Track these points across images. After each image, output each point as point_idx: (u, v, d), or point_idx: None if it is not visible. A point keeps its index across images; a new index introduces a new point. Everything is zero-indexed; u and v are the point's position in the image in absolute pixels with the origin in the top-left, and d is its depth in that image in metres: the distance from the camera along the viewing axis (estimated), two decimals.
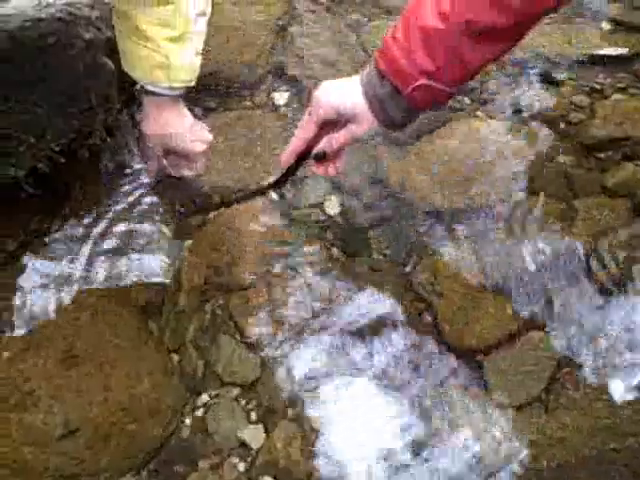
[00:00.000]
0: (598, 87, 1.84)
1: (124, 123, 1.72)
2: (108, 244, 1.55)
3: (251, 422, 1.35)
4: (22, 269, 1.49)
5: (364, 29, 2.00)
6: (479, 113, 1.80)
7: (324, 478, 1.27)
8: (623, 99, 1.82)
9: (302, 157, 1.23)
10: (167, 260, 1.51)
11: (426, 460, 1.29)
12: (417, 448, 1.30)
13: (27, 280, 1.48)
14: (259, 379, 1.39)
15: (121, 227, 1.59)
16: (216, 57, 1.87)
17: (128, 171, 1.69)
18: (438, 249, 1.54)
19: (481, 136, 1.72)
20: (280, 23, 2.04)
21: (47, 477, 1.26)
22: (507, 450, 1.29)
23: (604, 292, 1.45)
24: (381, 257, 1.55)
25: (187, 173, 1.58)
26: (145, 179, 1.65)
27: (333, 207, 1.64)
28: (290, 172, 1.29)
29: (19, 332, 1.40)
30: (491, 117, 1.79)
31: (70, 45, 1.45)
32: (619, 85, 1.85)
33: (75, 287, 1.47)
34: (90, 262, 1.52)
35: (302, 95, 1.86)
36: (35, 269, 1.49)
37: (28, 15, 1.39)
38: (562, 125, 1.78)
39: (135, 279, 1.48)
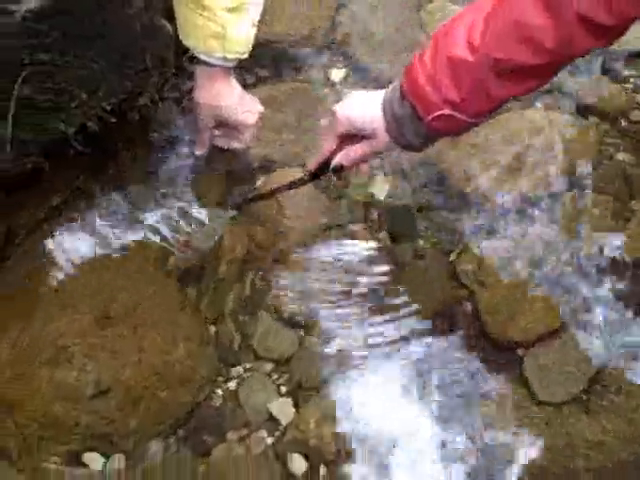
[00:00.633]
0: None
1: (177, 89, 1.73)
2: (151, 209, 1.55)
3: (282, 397, 1.35)
4: (64, 226, 1.49)
5: (425, 8, 1.96)
6: (536, 104, 1.76)
7: (354, 459, 1.27)
8: None
9: (324, 166, 1.26)
10: (209, 229, 1.50)
11: (456, 449, 1.28)
12: (448, 436, 1.29)
13: (67, 237, 1.48)
14: (294, 355, 1.39)
15: (165, 193, 1.58)
16: (273, 27, 1.85)
17: (176, 138, 1.68)
18: (485, 239, 1.52)
19: (536, 128, 1.68)
20: None
21: (76, 434, 1.27)
22: (541, 448, 1.28)
23: None
24: (426, 243, 1.54)
25: (236, 145, 1.57)
26: (193, 148, 1.63)
27: (381, 189, 1.62)
28: (317, 177, 1.31)
29: (56, 289, 1.40)
30: (548, 109, 1.75)
31: (128, 3, 1.43)
32: None
33: (115, 249, 1.47)
34: (131, 225, 1.52)
35: (358, 73, 1.84)
36: (76, 227, 1.49)
37: None
38: (623, 122, 1.75)
39: (176, 244, 1.48)
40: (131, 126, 1.57)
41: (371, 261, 1.50)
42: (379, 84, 1.74)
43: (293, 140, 1.68)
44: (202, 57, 1.38)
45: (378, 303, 1.44)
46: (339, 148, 1.22)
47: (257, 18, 1.39)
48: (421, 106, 1.04)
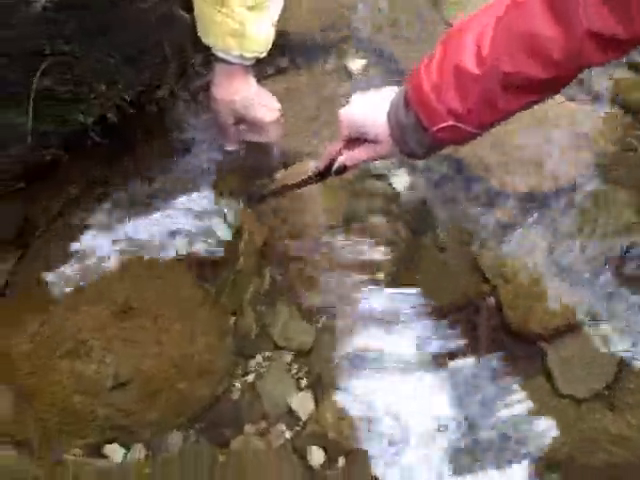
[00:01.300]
0: None
1: (196, 81, 1.71)
2: (169, 201, 1.54)
3: (301, 390, 1.35)
4: (82, 217, 1.49)
5: (445, 1, 1.94)
6: (559, 96, 1.72)
7: (373, 454, 1.27)
8: None
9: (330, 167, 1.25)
10: (228, 221, 1.50)
11: (476, 444, 1.28)
12: (469, 430, 1.29)
13: (85, 230, 1.48)
14: (313, 348, 1.39)
15: (183, 185, 1.57)
16: (292, 17, 1.83)
17: (195, 131, 1.67)
18: (507, 232, 1.52)
19: (560, 120, 1.67)
20: None
21: (95, 426, 1.28)
22: (564, 442, 1.27)
23: None
24: (447, 236, 1.53)
25: (264, 139, 1.55)
26: (212, 140, 1.63)
27: (401, 181, 1.61)
28: (324, 177, 1.30)
29: (75, 282, 1.41)
30: (572, 100, 1.73)
31: None
32: None
33: (133, 241, 1.47)
34: (150, 217, 1.52)
35: (377, 64, 1.83)
36: (95, 219, 1.50)
37: None
38: None
39: (195, 237, 1.47)
40: (150, 118, 1.56)
41: (391, 254, 1.50)
42: (398, 75, 1.75)
43: (313, 131, 1.68)
44: (220, 55, 1.37)
45: (398, 296, 1.44)
46: (344, 148, 1.21)
47: (276, 17, 1.38)
48: (426, 116, 1.02)
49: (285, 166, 1.62)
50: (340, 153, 1.21)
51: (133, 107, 1.46)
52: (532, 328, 1.38)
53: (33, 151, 1.38)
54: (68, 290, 1.39)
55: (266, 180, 1.60)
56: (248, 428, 1.31)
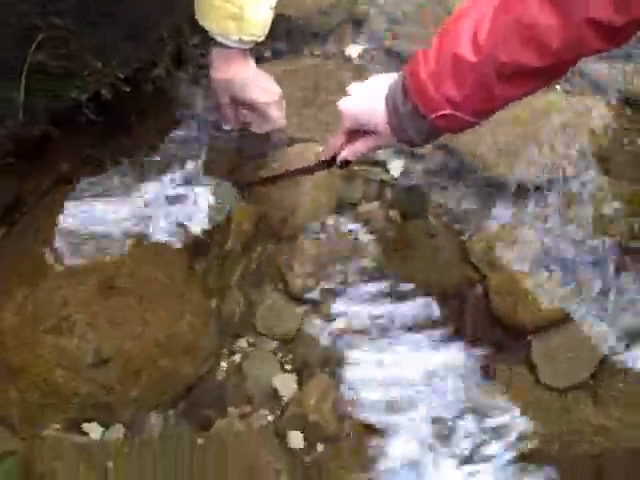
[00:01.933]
0: None
1: (193, 61, 1.71)
2: (160, 180, 1.54)
3: (285, 373, 1.35)
4: (72, 194, 1.49)
5: None
6: (557, 87, 1.73)
7: (353, 438, 1.27)
8: None
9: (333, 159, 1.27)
10: (219, 203, 1.49)
11: (459, 432, 1.28)
12: (452, 418, 1.29)
13: (75, 206, 1.47)
14: (298, 332, 1.39)
15: (175, 166, 1.57)
16: (291, 0, 1.83)
17: (190, 111, 1.67)
18: (498, 221, 1.51)
19: (557, 111, 1.66)
20: None
21: (76, 403, 1.28)
22: (546, 433, 1.27)
23: None
24: (439, 223, 1.53)
25: (268, 128, 1.56)
26: (207, 120, 1.63)
27: (396, 168, 1.60)
28: (325, 167, 1.32)
29: (61, 258, 1.40)
30: (568, 92, 1.72)
31: None
32: None
33: (123, 219, 1.47)
34: (139, 196, 1.51)
35: (376, 49, 1.83)
36: (85, 196, 1.49)
37: None
38: None
39: (184, 218, 1.47)
40: (145, 96, 1.57)
41: (381, 239, 1.50)
42: (396, 60, 1.75)
43: (309, 115, 1.67)
44: (218, 38, 1.37)
45: (387, 282, 1.44)
46: (346, 140, 1.23)
47: (275, 1, 1.38)
48: (423, 104, 1.03)
49: (281, 149, 1.61)
50: (342, 148, 1.22)
51: (128, 85, 1.46)
52: (519, 318, 1.37)
53: (23, 126, 1.38)
54: (55, 266, 1.39)
55: (260, 164, 1.59)
56: (231, 410, 1.31)
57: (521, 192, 1.55)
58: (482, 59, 0.95)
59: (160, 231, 1.46)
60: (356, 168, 1.56)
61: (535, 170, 1.57)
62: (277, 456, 1.25)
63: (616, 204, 1.52)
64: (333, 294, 1.43)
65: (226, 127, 1.59)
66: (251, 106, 1.50)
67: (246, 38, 1.36)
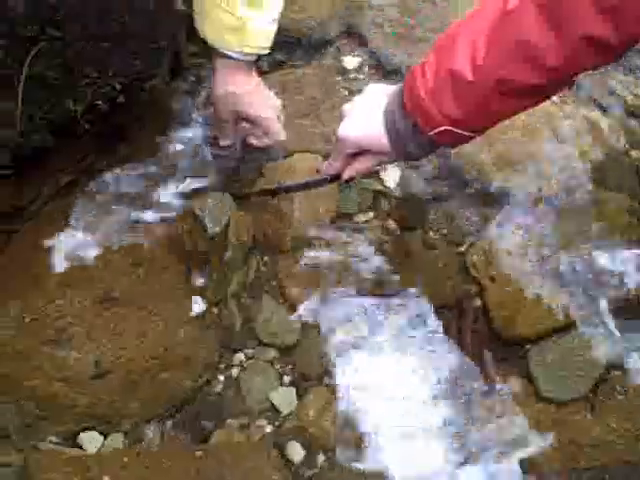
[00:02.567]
0: None
1: (191, 72, 1.72)
2: (158, 190, 1.53)
3: (284, 385, 1.36)
4: (70, 205, 1.48)
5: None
6: (554, 98, 1.73)
7: (353, 450, 1.27)
8: None
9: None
10: (217, 212, 1.47)
11: (458, 444, 1.28)
12: (450, 430, 1.30)
13: (73, 217, 1.47)
14: (297, 343, 1.40)
15: (173, 175, 1.56)
16: (289, 11, 1.78)
17: (188, 121, 1.66)
18: (496, 232, 1.52)
19: (553, 121, 1.67)
20: None
21: (75, 415, 1.28)
22: (544, 446, 1.28)
23: None
24: (436, 234, 1.54)
25: (267, 142, 1.53)
26: (205, 131, 1.63)
27: (392, 178, 1.61)
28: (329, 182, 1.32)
29: (59, 269, 1.40)
30: (565, 103, 1.73)
31: None
32: None
33: (121, 229, 1.47)
34: (138, 206, 1.50)
35: (373, 61, 1.83)
36: (83, 207, 1.49)
37: None
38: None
39: (182, 228, 1.46)
40: (142, 107, 1.56)
41: (379, 250, 1.50)
42: (393, 73, 1.76)
43: (306, 126, 1.67)
44: (219, 50, 1.35)
45: (385, 293, 1.45)
46: (348, 160, 1.23)
47: (277, 14, 1.37)
48: (423, 122, 1.04)
49: (278, 159, 1.62)
50: (342, 169, 1.23)
51: (125, 95, 1.44)
52: (517, 330, 1.38)
53: (21, 136, 1.37)
54: (53, 276, 1.39)
55: (258, 176, 1.59)
56: (229, 422, 1.31)
57: (520, 203, 1.55)
58: (480, 77, 0.95)
59: (158, 242, 1.46)
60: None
61: (534, 181, 1.58)
62: (276, 468, 1.24)
63: (614, 216, 1.53)
64: (332, 305, 1.43)
65: (224, 143, 1.57)
66: (252, 120, 1.49)
67: (248, 50, 1.35)
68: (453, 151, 1.58)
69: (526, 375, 1.35)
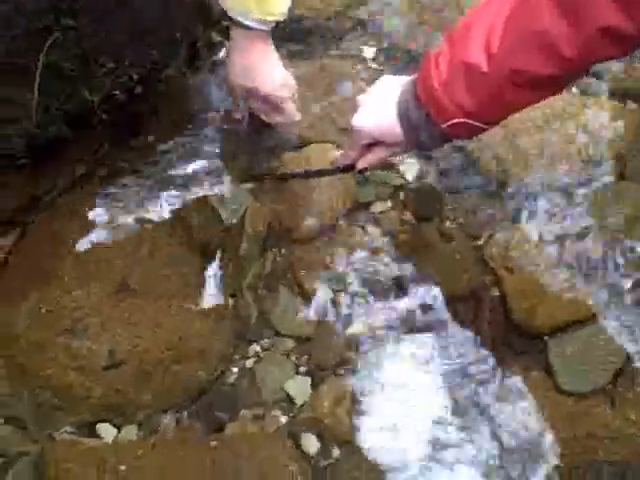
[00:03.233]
0: None
1: (207, 61, 1.74)
2: (174, 181, 1.56)
3: (299, 376, 1.36)
4: (87, 195, 1.51)
5: None
6: (574, 88, 1.74)
7: (369, 442, 1.27)
8: None
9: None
10: (232, 203, 1.48)
11: (474, 437, 1.28)
12: (467, 423, 1.29)
13: (89, 207, 1.49)
14: (313, 334, 1.40)
15: (190, 165, 1.59)
16: (306, 1, 1.86)
17: (205, 111, 1.68)
18: (514, 224, 1.52)
19: (571, 113, 1.67)
20: None
21: (89, 405, 1.29)
22: (563, 439, 1.27)
23: None
24: (454, 226, 1.54)
25: (279, 119, 1.55)
26: (223, 122, 1.65)
27: (410, 170, 1.61)
28: (344, 172, 1.33)
29: (75, 260, 1.42)
30: (584, 94, 1.74)
31: None
32: None
33: (137, 219, 1.49)
34: (154, 196, 1.52)
35: (390, 50, 1.84)
36: (99, 197, 1.51)
37: None
38: None
39: (199, 219, 1.47)
40: (159, 97, 1.59)
41: (396, 241, 1.50)
42: (411, 62, 1.76)
43: (322, 116, 1.68)
44: (238, 18, 1.34)
45: (401, 284, 1.45)
46: (362, 151, 1.24)
47: None
48: (436, 113, 1.04)
49: (294, 150, 1.62)
50: (357, 160, 1.24)
51: (142, 85, 1.47)
52: (536, 322, 1.38)
53: (37, 127, 1.39)
54: (68, 267, 1.40)
55: (272, 162, 1.60)
56: (244, 413, 1.32)
57: (538, 194, 1.55)
58: (495, 68, 0.95)
59: (174, 232, 1.47)
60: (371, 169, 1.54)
61: (552, 172, 1.58)
62: (291, 460, 1.24)
63: (637, 206, 1.52)
64: (348, 296, 1.44)
65: (237, 116, 1.58)
66: (266, 97, 1.48)
67: (268, 17, 1.34)
68: (471, 144, 1.59)
69: (544, 367, 1.34)
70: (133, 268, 1.41)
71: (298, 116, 1.53)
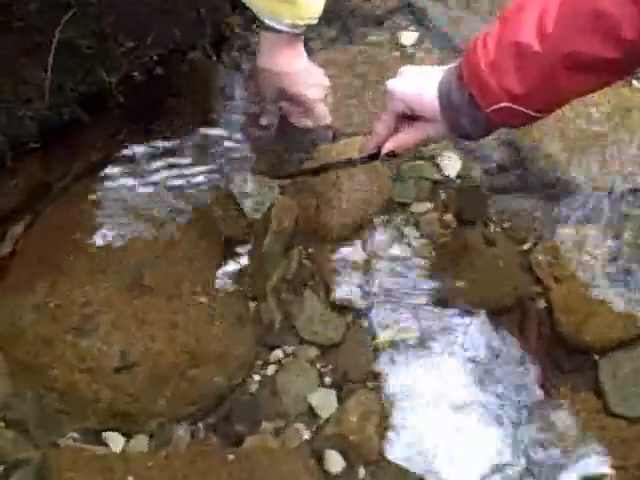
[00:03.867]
0: None
1: (237, 46, 1.73)
2: (195, 171, 1.54)
3: (324, 388, 1.33)
4: (100, 183, 1.49)
5: None
6: (634, 82, 1.71)
7: (398, 461, 1.25)
8: None
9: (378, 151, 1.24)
10: (258, 199, 1.48)
11: (515, 461, 1.25)
12: (507, 445, 1.27)
13: (103, 196, 1.48)
14: (340, 343, 1.38)
15: (210, 155, 1.57)
16: None
17: (229, 99, 1.68)
18: (564, 229, 1.49)
19: (633, 108, 1.63)
20: None
21: (97, 410, 1.27)
22: (612, 465, 1.24)
23: None
24: (499, 229, 1.51)
25: (309, 123, 1.55)
26: (246, 112, 1.64)
27: (452, 166, 1.59)
28: (369, 160, 1.28)
29: (87, 252, 1.40)
30: None
31: None
32: None
33: (153, 212, 1.47)
34: (174, 188, 1.51)
35: (432, 37, 1.82)
36: (115, 186, 1.49)
37: None
38: None
39: (220, 212, 1.46)
40: (180, 80, 1.59)
41: (435, 245, 1.49)
42: (452, 50, 1.76)
43: (358, 107, 1.66)
44: (268, 22, 1.34)
45: (439, 291, 1.43)
46: (394, 131, 1.20)
47: None
48: (480, 96, 1.01)
49: (326, 142, 1.60)
50: (384, 140, 1.20)
51: (163, 67, 1.48)
52: (585, 338, 1.35)
53: (50, 109, 1.40)
54: (79, 260, 1.38)
55: (301, 157, 1.58)
56: (264, 425, 1.29)
57: (592, 197, 1.53)
58: (548, 48, 0.93)
59: (193, 226, 1.46)
60: (408, 165, 1.57)
61: (608, 173, 1.55)
62: (314, 477, 1.22)
63: None
64: (380, 303, 1.42)
65: (264, 122, 1.58)
66: (296, 98, 1.48)
67: (299, 22, 1.33)
68: (521, 139, 1.58)
69: (594, 387, 1.32)
70: (148, 263, 1.39)
71: (329, 119, 1.53)
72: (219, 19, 1.63)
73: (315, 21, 1.36)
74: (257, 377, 1.34)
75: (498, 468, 1.24)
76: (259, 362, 1.36)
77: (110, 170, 1.51)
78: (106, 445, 1.26)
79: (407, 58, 1.78)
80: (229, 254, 1.44)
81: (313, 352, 1.37)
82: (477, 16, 1.84)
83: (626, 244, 1.46)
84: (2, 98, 1.33)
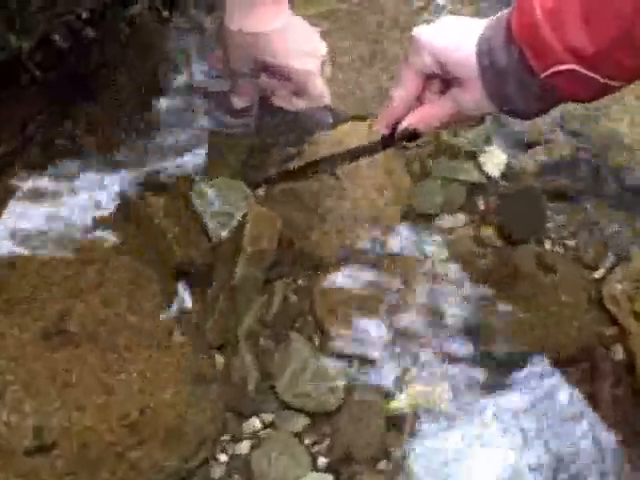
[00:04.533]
0: None
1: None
2: (137, 174, 1.52)
3: (317, 472, 1.29)
4: (7, 188, 1.47)
5: None
6: None
7: None
8: None
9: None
10: (227, 208, 1.46)
11: None
12: None
13: (10, 205, 1.45)
14: (340, 408, 1.33)
15: (161, 150, 1.55)
16: None
17: (187, 70, 1.66)
18: None
19: None
20: None
21: None
22: None
23: None
24: (560, 250, 1.50)
25: (301, 105, 1.52)
26: (212, 90, 1.62)
27: (495, 163, 1.59)
28: (385, 145, 1.23)
29: None
30: None
31: None
32: None
33: (80, 228, 1.44)
34: (107, 192, 1.49)
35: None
36: (25, 192, 1.47)
37: None
38: None
39: (174, 230, 1.42)
40: (120, 47, 1.56)
41: (470, 271, 1.47)
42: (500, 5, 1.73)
43: (365, 82, 1.66)
44: None
45: (475, 333, 1.41)
46: (416, 102, 1.17)
47: None
48: (534, 55, 0.97)
49: (320, 130, 1.60)
50: (406, 112, 1.16)
51: (94, 27, 1.42)
52: None
53: None
54: None
55: (288, 152, 1.58)
56: None
57: None
58: None
59: (134, 250, 1.42)
60: (434, 162, 1.57)
61: None
62: None
63: None
64: (394, 353, 1.38)
65: (236, 105, 1.54)
66: (283, 74, 1.45)
67: None
68: (589, 125, 1.59)
69: None
70: (72, 302, 1.34)
71: (328, 98, 1.49)
72: None
73: None
74: (224, 457, 1.31)
75: None
76: (227, 437, 1.32)
77: (20, 170, 1.49)
78: None
79: (427, 10, 1.79)
80: (185, 288, 1.42)
81: (301, 422, 1.33)
82: None
83: None
84: None
